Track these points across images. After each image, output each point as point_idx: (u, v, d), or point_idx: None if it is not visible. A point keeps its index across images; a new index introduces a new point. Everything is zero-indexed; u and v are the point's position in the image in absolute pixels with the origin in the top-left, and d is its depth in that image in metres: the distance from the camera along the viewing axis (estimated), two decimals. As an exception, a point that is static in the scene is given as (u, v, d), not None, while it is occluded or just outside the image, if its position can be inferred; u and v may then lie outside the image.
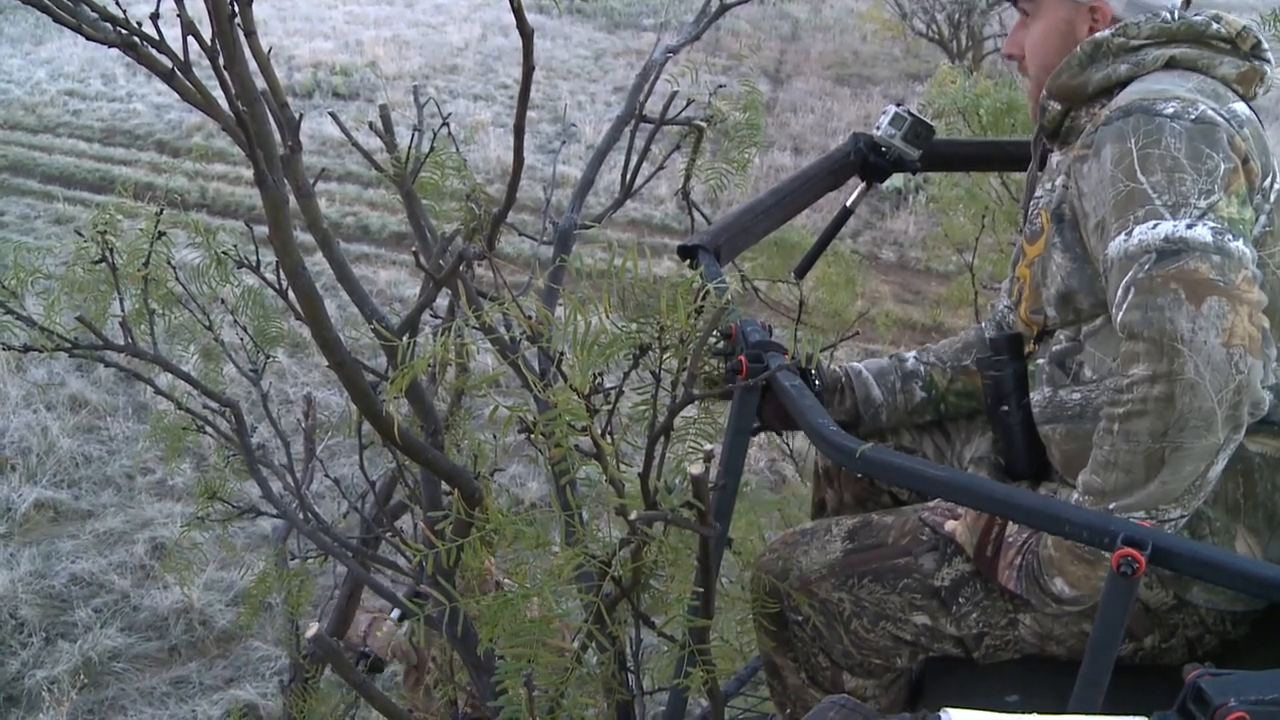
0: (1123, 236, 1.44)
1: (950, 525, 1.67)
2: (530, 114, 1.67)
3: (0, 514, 6.90)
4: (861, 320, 5.85)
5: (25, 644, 5.95)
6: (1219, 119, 1.47)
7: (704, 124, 2.69)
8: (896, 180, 10.37)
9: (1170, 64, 1.59)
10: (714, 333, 1.22)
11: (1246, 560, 1.22)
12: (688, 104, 2.70)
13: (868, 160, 2.17)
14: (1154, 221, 1.41)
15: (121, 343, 2.24)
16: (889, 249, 11.21)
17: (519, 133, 1.60)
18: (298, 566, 3.14)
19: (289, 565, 3.21)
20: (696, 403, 1.25)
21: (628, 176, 2.75)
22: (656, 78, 2.74)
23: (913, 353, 2.05)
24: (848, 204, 2.24)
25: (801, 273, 2.32)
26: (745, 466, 1.70)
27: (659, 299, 1.15)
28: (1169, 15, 1.62)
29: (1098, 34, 1.64)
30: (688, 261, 1.78)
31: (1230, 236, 1.38)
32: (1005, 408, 1.75)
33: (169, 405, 2.73)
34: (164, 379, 2.65)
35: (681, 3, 18.69)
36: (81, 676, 5.65)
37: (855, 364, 2.04)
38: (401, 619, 3.20)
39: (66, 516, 7.01)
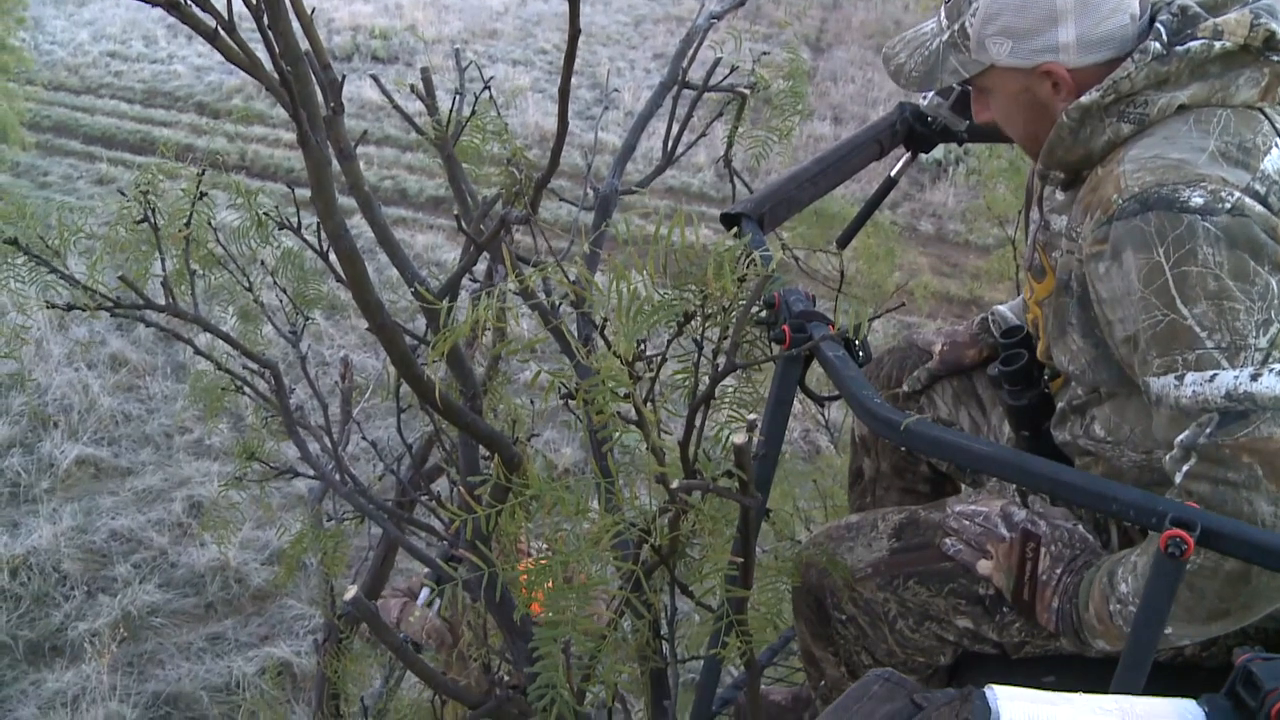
0: (1171, 380, 1.28)
1: (983, 566, 1.61)
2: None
3: (43, 470, 7.01)
4: (900, 292, 5.80)
5: (68, 597, 6.06)
6: (1256, 208, 1.27)
7: (747, 91, 2.65)
8: (936, 152, 10.28)
9: (1183, 109, 1.38)
10: (757, 301, 1.21)
11: (1295, 543, 1.19)
12: (731, 70, 2.67)
13: (914, 129, 2.13)
14: (1210, 371, 1.25)
15: (162, 302, 2.25)
16: (928, 221, 11.12)
17: (564, 96, 1.59)
18: (333, 527, 3.17)
19: (325, 526, 3.23)
20: (738, 371, 1.23)
21: (669, 143, 2.72)
22: (700, 44, 2.71)
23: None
24: (892, 174, 2.21)
25: (844, 243, 2.30)
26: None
27: (703, 266, 1.13)
28: (1161, 49, 1.38)
29: (1082, 100, 1.41)
30: (733, 230, 1.76)
31: None
32: (1026, 433, 1.71)
33: (208, 365, 2.75)
34: (203, 339, 2.66)
35: (723, -32, 18.48)
36: (121, 630, 5.76)
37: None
38: (431, 598, 3.22)
39: (107, 473, 7.12)
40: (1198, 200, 1.27)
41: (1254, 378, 1.23)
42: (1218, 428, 1.24)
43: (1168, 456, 1.31)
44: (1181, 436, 1.28)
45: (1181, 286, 1.26)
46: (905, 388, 2.03)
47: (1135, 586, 1.38)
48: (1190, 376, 1.26)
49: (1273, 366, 1.23)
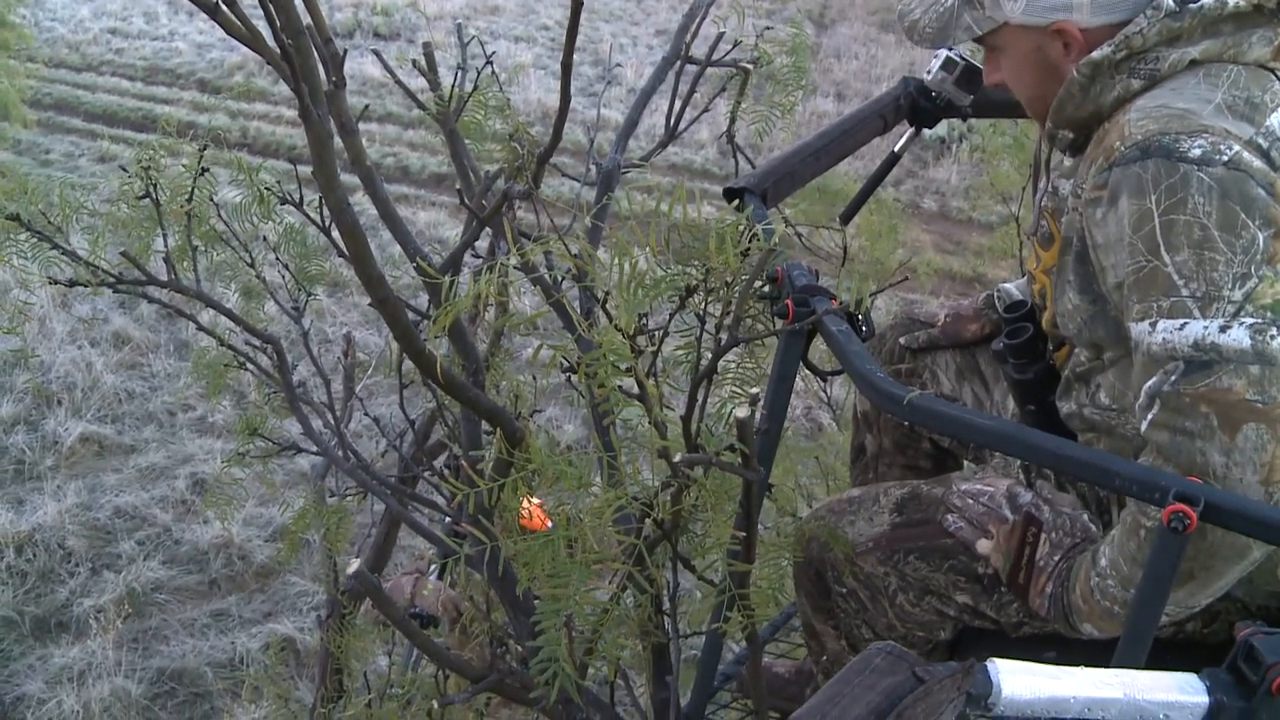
0: (1146, 325, 1.29)
1: (983, 545, 1.61)
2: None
3: (47, 447, 7.03)
4: (902, 269, 5.79)
5: (73, 573, 6.09)
6: (1255, 163, 1.26)
7: (750, 66, 2.64)
8: (940, 128, 10.25)
9: (1194, 64, 1.37)
10: (760, 276, 1.20)
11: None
12: (734, 46, 2.66)
13: (918, 105, 2.13)
14: (1181, 320, 1.25)
15: (165, 278, 2.25)
16: (931, 198, 11.09)
17: (566, 70, 1.57)
18: (336, 504, 3.17)
19: (328, 502, 3.24)
20: (740, 346, 1.23)
21: (671, 119, 2.71)
22: (703, 19, 2.69)
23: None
24: (895, 149, 2.20)
25: (847, 218, 2.29)
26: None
27: (705, 240, 1.13)
28: (1174, 6, 1.37)
29: (1094, 55, 1.41)
30: (734, 203, 1.76)
31: (1274, 333, 1.22)
32: (1031, 407, 1.70)
33: (210, 342, 2.74)
34: (206, 315, 2.66)
35: (726, -56, 18.36)
36: (126, 606, 5.79)
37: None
38: (441, 571, 3.22)
39: (110, 451, 7.13)
40: (1196, 151, 1.27)
41: (1223, 329, 1.23)
42: (1181, 376, 1.25)
43: (1137, 405, 1.31)
44: (1149, 384, 1.29)
45: (1167, 234, 1.26)
46: (903, 343, 2.04)
47: (1113, 558, 1.38)
48: (1162, 324, 1.27)
49: (1243, 320, 1.23)
